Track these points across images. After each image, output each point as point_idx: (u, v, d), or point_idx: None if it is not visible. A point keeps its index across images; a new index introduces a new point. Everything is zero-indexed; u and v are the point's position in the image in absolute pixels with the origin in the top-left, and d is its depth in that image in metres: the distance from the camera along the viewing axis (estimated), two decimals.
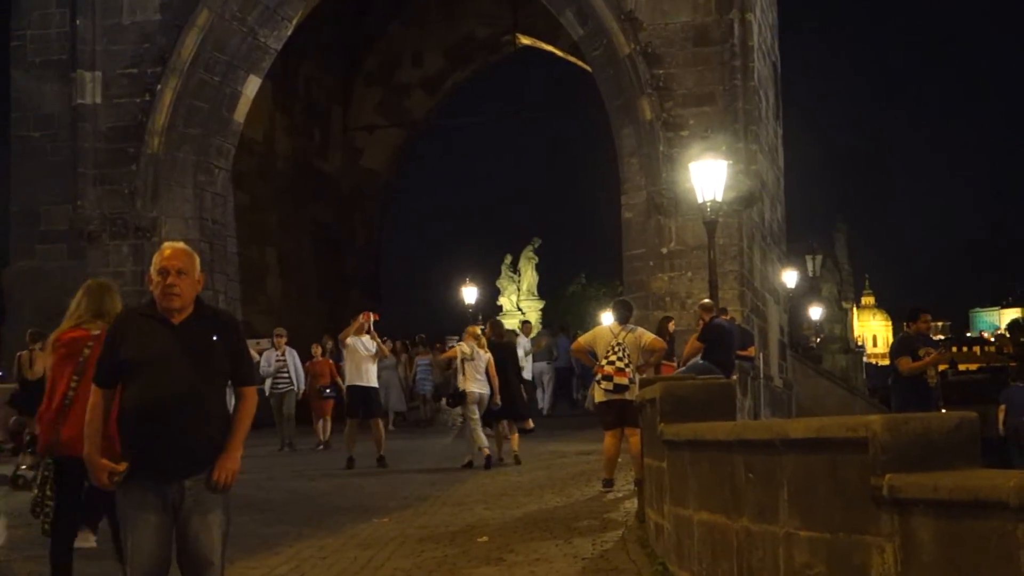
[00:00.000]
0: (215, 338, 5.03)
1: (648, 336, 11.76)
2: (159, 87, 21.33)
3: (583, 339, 12.11)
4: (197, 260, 5.20)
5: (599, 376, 11.40)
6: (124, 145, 21.40)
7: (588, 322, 38.81)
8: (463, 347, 14.39)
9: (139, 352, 4.93)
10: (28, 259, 21.68)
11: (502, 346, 15.41)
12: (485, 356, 14.34)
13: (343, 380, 16.37)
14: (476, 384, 14.14)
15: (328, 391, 18.37)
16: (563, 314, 45.62)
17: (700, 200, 17.04)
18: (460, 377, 14.32)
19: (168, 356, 4.91)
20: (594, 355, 11.63)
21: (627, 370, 11.19)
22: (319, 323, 24.89)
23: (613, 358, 11.27)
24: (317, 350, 19.03)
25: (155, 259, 5.12)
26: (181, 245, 5.23)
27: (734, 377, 14.03)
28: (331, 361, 18.98)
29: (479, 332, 14.90)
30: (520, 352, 19.66)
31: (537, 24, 28.33)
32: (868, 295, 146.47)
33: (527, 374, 20.81)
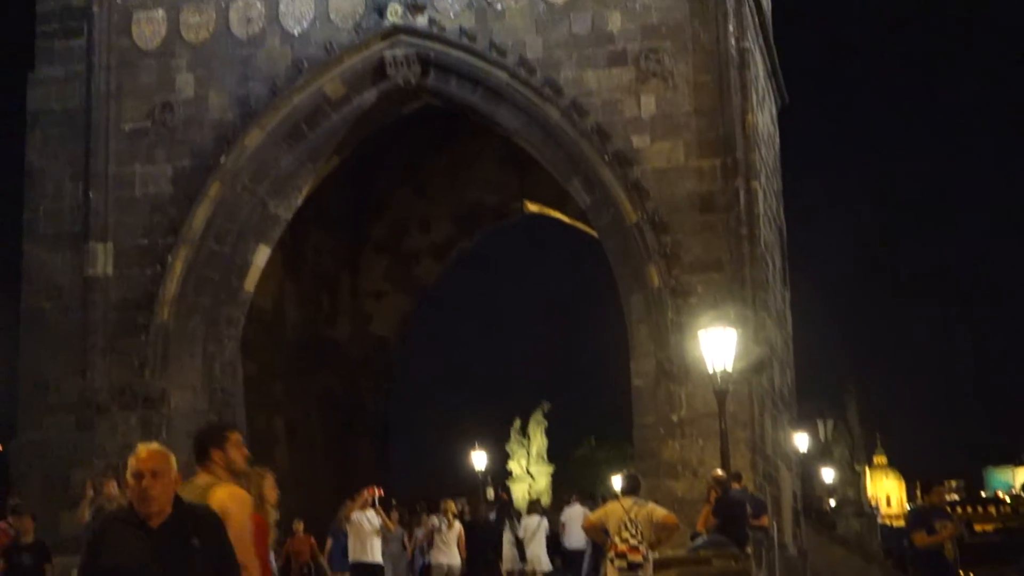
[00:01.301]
0: (195, 542, 4.90)
1: (660, 512, 11.62)
2: (170, 258, 21.52)
3: (594, 516, 11.97)
4: (173, 460, 5.12)
5: (612, 554, 11.22)
6: (134, 315, 21.50)
7: (598, 486, 38.44)
8: (434, 519, 14.44)
9: (115, 561, 4.81)
10: (36, 431, 21.59)
11: None
12: (456, 528, 14.36)
13: (326, 560, 16.12)
14: (444, 555, 14.16)
15: (309, 570, 18.01)
16: (574, 478, 45.24)
17: (710, 370, 17.03)
18: (432, 549, 14.35)
19: (143, 566, 4.78)
20: (607, 532, 11.46)
21: (640, 547, 11.03)
22: (328, 494, 24.63)
23: (626, 535, 11.12)
24: (299, 526, 18.74)
25: (130, 462, 5.06)
26: (155, 446, 5.16)
27: (749, 550, 13.82)
28: (312, 539, 18.63)
29: (453, 506, 14.93)
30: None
31: (544, 191, 28.62)
32: (880, 455, 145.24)
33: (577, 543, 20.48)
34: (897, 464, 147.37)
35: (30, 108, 22.90)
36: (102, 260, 21.72)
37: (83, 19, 22.53)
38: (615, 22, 20.93)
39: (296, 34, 21.92)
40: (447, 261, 33.19)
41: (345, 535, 17.67)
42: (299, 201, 23.11)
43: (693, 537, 14.97)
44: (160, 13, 22.37)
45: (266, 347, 27.17)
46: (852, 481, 40.64)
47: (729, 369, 17.16)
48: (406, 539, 22.62)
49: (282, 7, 21.97)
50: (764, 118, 23.28)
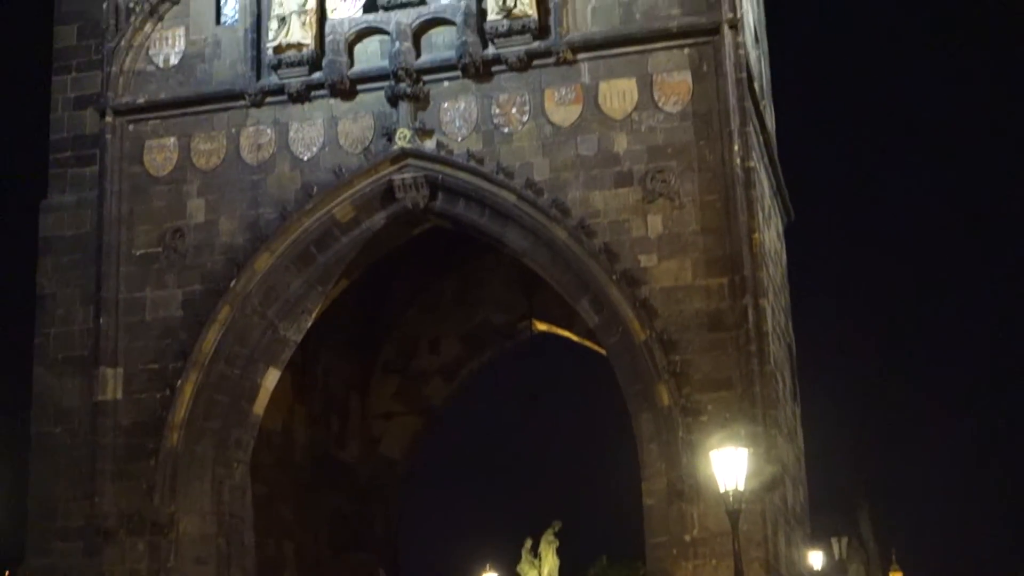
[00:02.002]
0: None
1: None
2: (180, 382, 21.58)
3: None
4: None
5: None
6: (143, 440, 21.51)
7: None
8: None
9: None
10: (44, 557, 21.49)
11: None
12: None
13: None
14: None
15: None
16: None
17: (722, 489, 16.95)
18: None
19: None
20: None
21: None
22: None
23: None
24: None
25: None
26: None
27: None
28: None
29: None
30: None
31: (553, 311, 28.69)
32: (896, 571, 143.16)
33: None
34: None
35: (42, 234, 23.16)
36: (111, 385, 21.78)
37: (95, 147, 22.89)
38: (621, 144, 21.19)
39: (306, 159, 22.21)
40: (457, 381, 33.12)
41: None
42: (308, 323, 23.21)
43: None
44: (172, 140, 22.71)
45: (275, 469, 27.04)
46: None
47: (741, 488, 17.08)
48: None
49: (292, 133, 22.30)
50: (771, 235, 23.43)
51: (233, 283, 21.97)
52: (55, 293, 22.78)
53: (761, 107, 23.40)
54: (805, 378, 25.48)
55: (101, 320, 22.04)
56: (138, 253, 22.44)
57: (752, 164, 20.88)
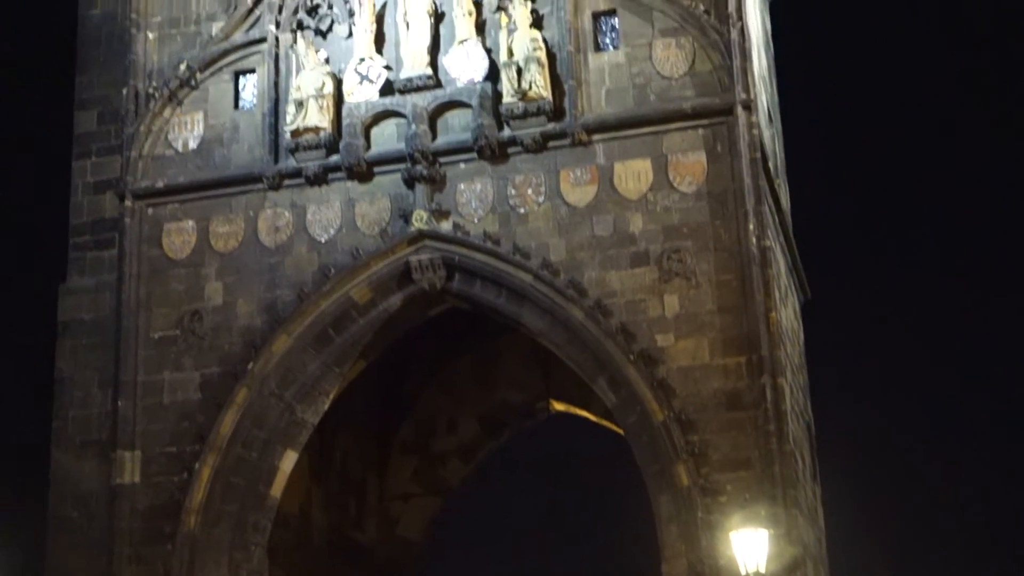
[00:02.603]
0: None
1: None
2: (197, 465, 21.56)
3: None
4: None
5: None
6: (161, 524, 21.45)
7: None
8: None
9: None
10: None
11: None
12: None
13: None
14: None
15: None
16: None
17: (743, 572, 16.82)
18: None
19: None
20: None
21: None
22: None
23: None
24: None
25: None
26: None
27: None
28: None
29: None
30: None
31: (570, 390, 28.64)
32: None
33: None
34: None
35: (61, 318, 23.28)
36: (129, 468, 21.78)
37: (115, 230, 23.08)
38: (636, 224, 21.28)
39: (323, 241, 22.35)
40: (474, 462, 33.00)
41: None
42: (326, 405, 23.21)
43: None
44: (190, 224, 22.89)
45: (293, 552, 26.89)
46: None
47: (763, 571, 16.97)
48: None
49: (309, 215, 22.46)
50: (788, 314, 23.41)
51: (251, 365, 22.02)
52: (73, 376, 22.86)
53: (776, 186, 23.50)
54: (824, 457, 25.31)
55: (119, 403, 22.09)
56: (156, 336, 22.53)
57: (768, 243, 20.94)
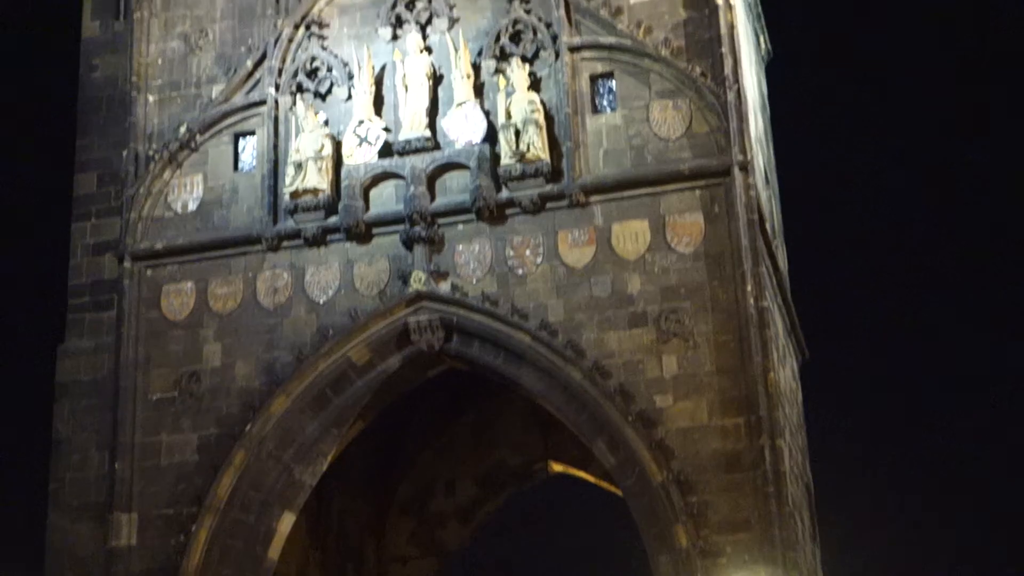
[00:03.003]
0: None
1: None
2: (194, 527, 21.43)
3: None
4: None
5: None
6: None
7: None
8: None
9: None
10: None
11: None
12: None
13: None
14: None
15: None
16: None
17: None
18: None
19: None
20: None
21: None
22: None
23: None
24: None
25: None
26: None
27: None
28: None
29: None
30: None
31: (568, 451, 28.59)
32: None
33: None
34: None
35: (59, 379, 23.25)
36: (126, 530, 21.64)
37: (113, 292, 23.10)
38: (634, 284, 21.32)
39: (322, 302, 22.37)
40: (473, 523, 32.84)
41: None
42: (324, 467, 23.13)
43: None
44: (189, 285, 22.92)
45: None
46: None
47: None
48: None
49: (308, 277, 22.50)
50: (786, 374, 23.40)
51: (249, 427, 21.97)
52: (71, 438, 22.80)
53: (773, 247, 23.57)
54: (824, 519, 25.20)
55: (116, 465, 21.99)
56: (154, 398, 22.50)
57: (766, 304, 20.97)
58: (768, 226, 22.96)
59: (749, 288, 20.72)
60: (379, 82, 23.06)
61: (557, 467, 30.46)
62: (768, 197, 24.64)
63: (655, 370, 20.90)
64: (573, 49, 22.35)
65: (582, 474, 29.74)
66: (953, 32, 44.07)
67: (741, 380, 20.49)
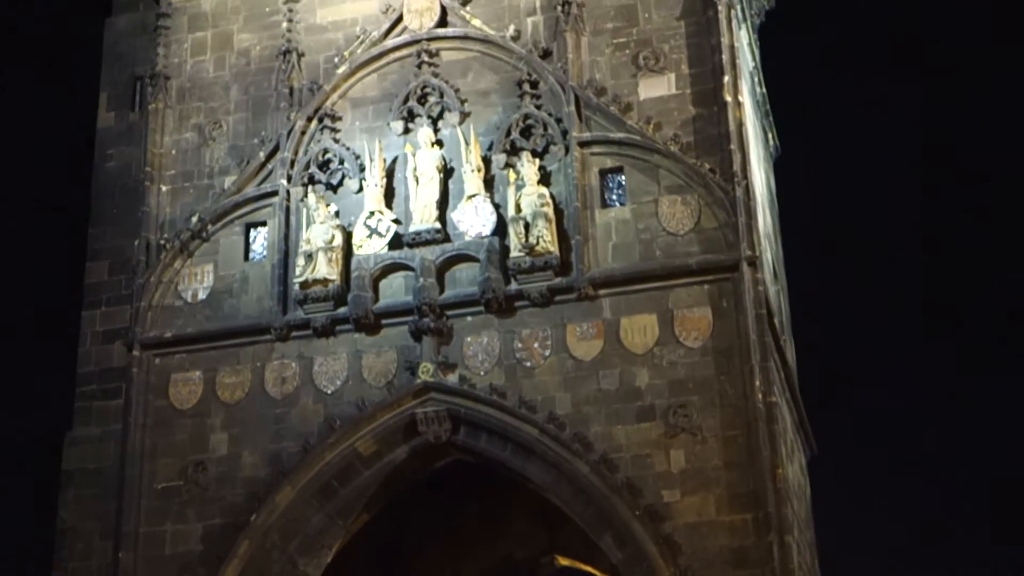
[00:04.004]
0: None
1: None
2: None
3: None
4: None
5: None
6: None
7: None
8: None
9: None
10: None
11: None
12: None
13: None
14: None
15: None
16: None
17: None
18: None
19: None
20: None
21: None
22: None
23: None
24: None
25: None
26: None
27: None
28: None
29: None
30: None
31: (575, 545, 28.34)
32: None
33: None
34: None
35: (65, 467, 23.24)
36: None
37: (122, 380, 23.15)
38: (643, 378, 21.31)
39: (329, 392, 22.38)
40: None
41: None
42: (328, 558, 22.99)
43: None
44: (197, 374, 22.96)
45: None
46: None
47: None
48: None
49: (316, 367, 22.53)
50: (794, 470, 23.30)
51: (254, 517, 21.87)
52: (76, 527, 22.73)
53: (781, 342, 23.58)
54: None
55: (120, 555, 21.88)
56: (160, 487, 22.44)
57: (774, 399, 20.93)
58: (776, 321, 23.00)
59: (757, 383, 20.71)
60: (390, 174, 23.27)
61: (563, 561, 30.19)
62: (776, 292, 24.72)
63: (663, 464, 20.82)
64: (583, 144, 22.56)
65: (589, 569, 29.45)
66: (954, 132, 44.45)
67: (749, 475, 20.40)
